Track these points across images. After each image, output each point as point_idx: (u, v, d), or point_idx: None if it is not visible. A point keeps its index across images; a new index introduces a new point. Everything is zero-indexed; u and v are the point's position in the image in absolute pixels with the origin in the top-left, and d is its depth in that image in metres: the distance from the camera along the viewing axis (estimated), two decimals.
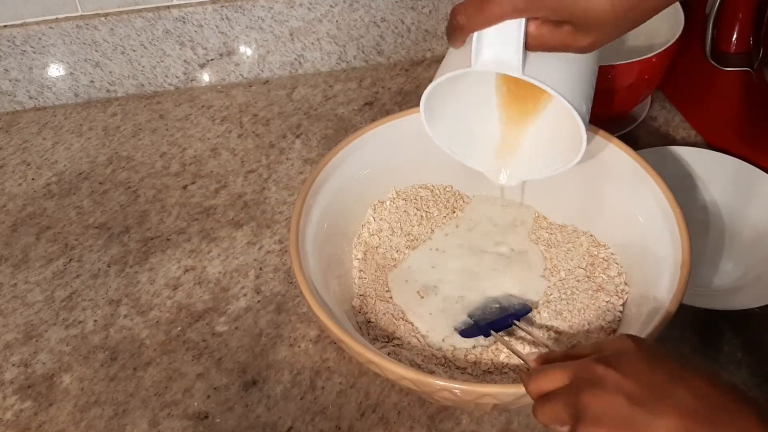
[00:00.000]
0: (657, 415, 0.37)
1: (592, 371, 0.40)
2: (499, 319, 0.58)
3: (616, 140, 0.60)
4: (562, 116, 0.54)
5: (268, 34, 0.86)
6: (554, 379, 0.42)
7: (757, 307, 0.61)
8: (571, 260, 0.62)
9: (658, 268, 0.54)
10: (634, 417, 0.38)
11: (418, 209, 0.66)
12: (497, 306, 0.60)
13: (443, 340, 0.58)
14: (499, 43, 0.48)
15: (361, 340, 0.52)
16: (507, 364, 0.55)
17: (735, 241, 0.67)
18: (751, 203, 0.68)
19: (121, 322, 0.65)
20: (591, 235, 0.63)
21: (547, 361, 0.45)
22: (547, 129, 0.59)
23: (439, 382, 0.47)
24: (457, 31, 0.49)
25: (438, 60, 0.91)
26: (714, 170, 0.71)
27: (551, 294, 0.60)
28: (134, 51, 0.85)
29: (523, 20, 0.46)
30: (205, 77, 0.89)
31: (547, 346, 0.54)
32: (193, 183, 0.77)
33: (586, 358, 0.41)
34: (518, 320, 0.57)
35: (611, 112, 0.74)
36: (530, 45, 0.47)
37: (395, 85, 0.88)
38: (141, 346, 0.63)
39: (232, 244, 0.71)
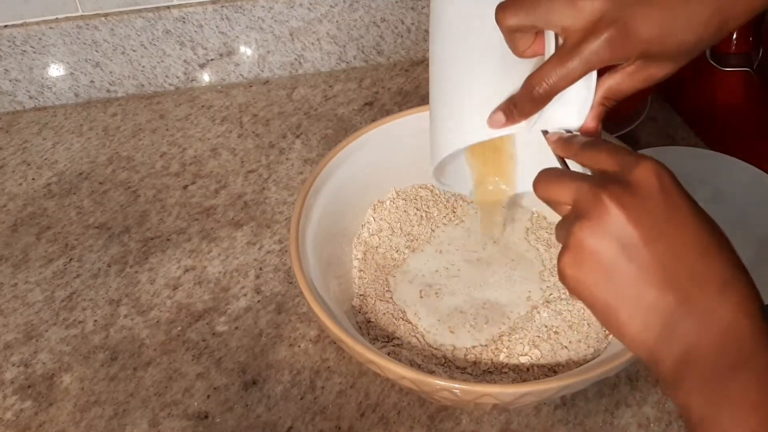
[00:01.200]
0: (646, 284, 0.35)
1: (597, 202, 0.36)
2: None
3: (616, 140, 0.60)
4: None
5: (268, 34, 0.86)
6: (561, 194, 0.39)
7: None
8: None
9: None
10: (619, 274, 0.35)
11: (418, 209, 0.66)
12: None
13: (445, 338, 0.58)
14: (569, 101, 0.45)
15: (361, 340, 0.52)
16: (507, 364, 0.55)
17: (735, 241, 0.67)
18: (751, 203, 0.68)
19: (121, 322, 0.65)
20: None
21: (566, 144, 0.43)
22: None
23: (439, 382, 0.47)
24: (537, 101, 0.44)
25: None
26: (713, 170, 0.71)
27: (551, 294, 0.60)
28: (134, 51, 0.85)
29: (594, 77, 0.45)
30: (205, 77, 0.89)
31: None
32: (193, 183, 0.77)
33: (598, 181, 0.37)
34: None
35: (611, 112, 0.74)
36: (605, 100, 0.46)
37: (395, 85, 0.88)
38: (141, 346, 0.63)
39: (232, 244, 0.71)
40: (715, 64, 0.73)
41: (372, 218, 0.65)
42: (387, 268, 0.63)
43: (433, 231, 0.66)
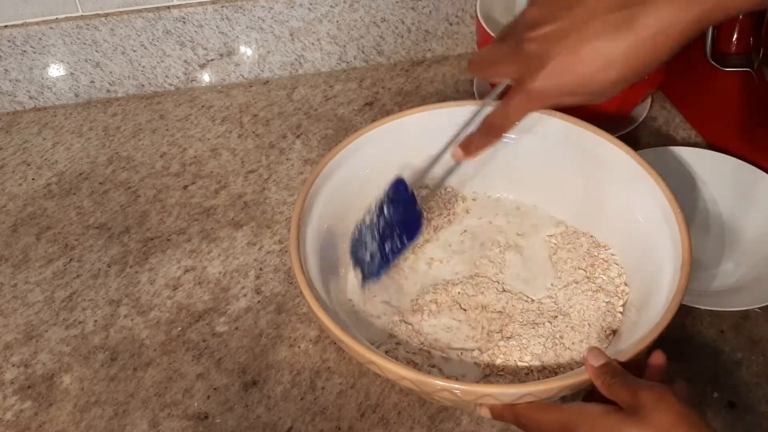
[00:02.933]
0: None
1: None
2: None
3: (616, 140, 0.60)
4: None
5: (268, 34, 0.86)
6: (616, 396, 0.44)
7: (757, 307, 0.61)
8: (571, 261, 0.62)
9: (659, 268, 0.54)
10: None
11: None
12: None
13: (445, 338, 0.58)
14: None
15: (361, 340, 0.52)
16: (507, 364, 0.55)
17: (735, 241, 0.67)
18: (751, 203, 0.68)
19: (121, 323, 0.65)
20: (591, 236, 0.63)
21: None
22: None
23: (439, 383, 0.47)
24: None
25: (438, 60, 0.92)
26: (714, 170, 0.71)
27: (551, 295, 0.60)
28: (134, 51, 0.85)
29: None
30: (206, 77, 0.89)
31: None
32: (193, 183, 0.77)
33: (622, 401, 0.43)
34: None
35: (611, 112, 0.74)
36: None
37: (395, 85, 0.88)
38: (141, 346, 0.63)
39: (232, 244, 0.71)
40: (715, 64, 0.73)
41: None
42: None
43: (434, 231, 0.66)
